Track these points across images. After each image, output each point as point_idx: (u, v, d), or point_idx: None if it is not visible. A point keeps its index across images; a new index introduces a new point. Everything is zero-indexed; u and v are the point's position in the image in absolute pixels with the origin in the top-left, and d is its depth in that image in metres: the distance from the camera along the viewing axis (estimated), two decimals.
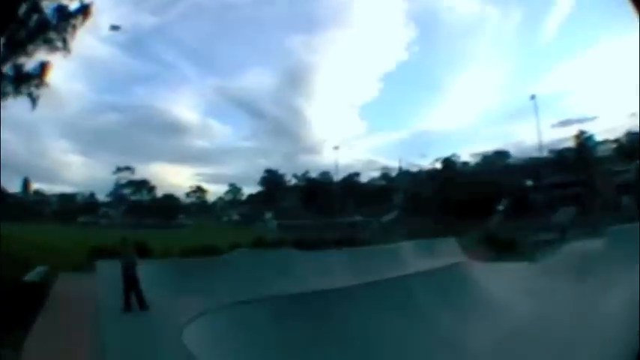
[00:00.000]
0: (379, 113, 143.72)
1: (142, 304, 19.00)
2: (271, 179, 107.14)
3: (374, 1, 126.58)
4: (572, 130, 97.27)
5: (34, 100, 30.09)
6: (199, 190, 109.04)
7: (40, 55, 29.98)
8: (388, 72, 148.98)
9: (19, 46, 28.60)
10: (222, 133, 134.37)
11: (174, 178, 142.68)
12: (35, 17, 29.22)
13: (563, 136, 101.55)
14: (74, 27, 30.72)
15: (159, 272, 24.17)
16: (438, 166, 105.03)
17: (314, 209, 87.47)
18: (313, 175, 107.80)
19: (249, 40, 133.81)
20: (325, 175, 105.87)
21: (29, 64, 29.74)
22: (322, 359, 17.48)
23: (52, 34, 29.94)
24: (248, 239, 47.54)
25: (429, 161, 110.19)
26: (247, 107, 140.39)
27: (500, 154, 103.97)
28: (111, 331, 15.41)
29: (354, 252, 41.00)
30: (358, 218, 77.52)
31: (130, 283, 19.13)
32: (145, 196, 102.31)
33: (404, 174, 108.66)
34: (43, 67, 30.18)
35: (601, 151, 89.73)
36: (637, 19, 3.29)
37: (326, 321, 19.74)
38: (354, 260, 35.95)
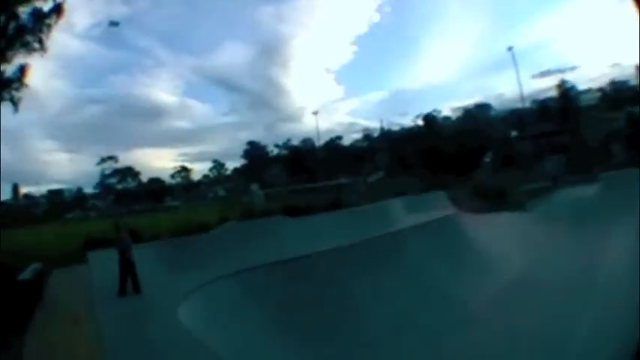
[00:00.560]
0: (356, 76, 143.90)
1: (137, 288, 18.70)
2: (254, 151, 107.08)
3: None
4: (552, 81, 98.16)
5: (15, 104, 29.91)
6: (184, 170, 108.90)
7: (19, 58, 29.86)
8: (361, 34, 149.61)
9: None
10: (202, 111, 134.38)
11: (158, 162, 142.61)
12: (13, 25, 29.02)
13: (545, 87, 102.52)
14: (49, 27, 30.60)
15: (150, 254, 24.06)
16: (420, 123, 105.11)
17: (299, 176, 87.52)
18: (295, 142, 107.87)
19: (220, 16, 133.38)
20: (307, 142, 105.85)
21: (9, 69, 29.62)
22: (321, 320, 17.59)
23: (29, 37, 29.78)
24: (236, 212, 47.47)
25: (410, 119, 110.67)
26: (224, 83, 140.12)
27: (482, 107, 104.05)
28: (107, 317, 15.35)
29: (344, 213, 41.05)
30: (344, 181, 77.39)
31: (126, 267, 18.83)
32: (130, 183, 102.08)
33: (386, 134, 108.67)
34: (22, 70, 30.02)
35: (585, 100, 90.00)
36: (637, 18, 3.31)
37: (322, 282, 19.82)
38: (345, 221, 35.90)
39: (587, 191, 36.09)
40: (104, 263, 21.83)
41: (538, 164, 70.28)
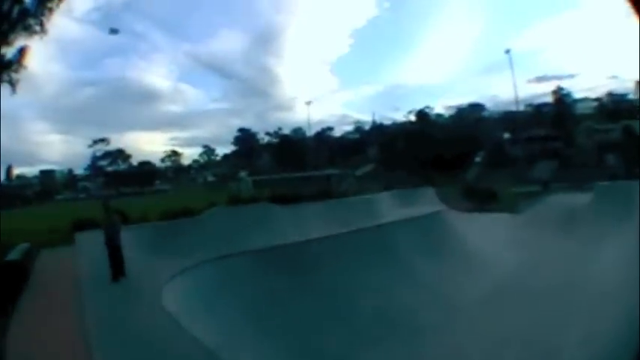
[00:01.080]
0: (351, 68, 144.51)
1: (122, 272, 18.39)
2: (245, 138, 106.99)
3: None
4: (548, 86, 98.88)
5: (13, 86, 29.88)
6: (174, 154, 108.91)
7: (19, 41, 29.82)
8: (359, 28, 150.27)
9: (1, 37, 28.42)
10: (195, 96, 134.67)
11: (149, 145, 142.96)
12: (17, 8, 28.99)
13: (540, 92, 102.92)
14: (50, 10, 30.51)
15: (137, 237, 24.13)
16: (412, 118, 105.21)
17: (289, 165, 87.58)
18: (286, 131, 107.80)
19: (218, 3, 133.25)
20: (298, 131, 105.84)
21: (9, 51, 29.57)
22: (304, 309, 17.72)
23: (31, 20, 29.73)
24: (224, 198, 47.58)
25: (402, 114, 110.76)
26: (218, 70, 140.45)
27: (475, 107, 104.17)
28: (91, 298, 15.45)
29: (331, 204, 41.16)
30: (333, 172, 77.48)
31: (113, 251, 18.43)
32: (121, 166, 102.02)
33: (377, 127, 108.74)
34: (21, 52, 29.97)
35: (581, 109, 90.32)
36: (637, 19, 3.42)
37: (306, 271, 19.90)
38: (332, 211, 36.06)
39: (580, 199, 35.66)
40: (91, 245, 21.88)
41: (529, 168, 70.40)
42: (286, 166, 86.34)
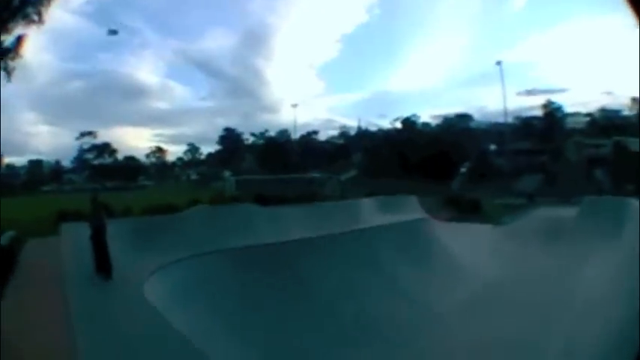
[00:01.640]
0: (338, 73, 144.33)
1: (108, 269, 17.80)
2: (230, 138, 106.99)
3: None
4: (538, 100, 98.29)
5: (9, 74, 29.99)
6: (159, 150, 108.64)
7: (18, 30, 29.95)
8: (348, 33, 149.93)
9: (2, 24, 28.60)
10: (182, 94, 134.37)
11: (135, 141, 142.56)
12: None
13: (529, 105, 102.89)
14: (49, 0, 30.67)
15: (119, 231, 24.22)
16: (398, 126, 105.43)
17: (273, 167, 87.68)
18: (272, 133, 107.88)
19: (210, 2, 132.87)
20: (283, 134, 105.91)
21: (7, 40, 29.71)
22: (282, 309, 17.98)
23: (30, 9, 29.87)
24: (207, 197, 47.69)
25: (388, 121, 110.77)
26: (207, 68, 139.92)
27: (462, 117, 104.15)
28: (76, 291, 15.56)
29: (313, 207, 41.38)
30: (317, 175, 77.68)
31: (99, 247, 18.09)
32: (107, 160, 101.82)
33: (363, 133, 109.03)
34: (19, 40, 30.12)
35: (571, 123, 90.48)
36: (636, 19, 3.52)
37: (285, 272, 20.10)
38: (313, 214, 36.18)
39: (565, 212, 35.71)
40: (76, 236, 22.07)
41: (514, 181, 70.74)
42: (270, 168, 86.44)
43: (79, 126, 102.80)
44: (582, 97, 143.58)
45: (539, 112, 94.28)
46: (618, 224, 25.89)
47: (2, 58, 29.21)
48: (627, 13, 3.52)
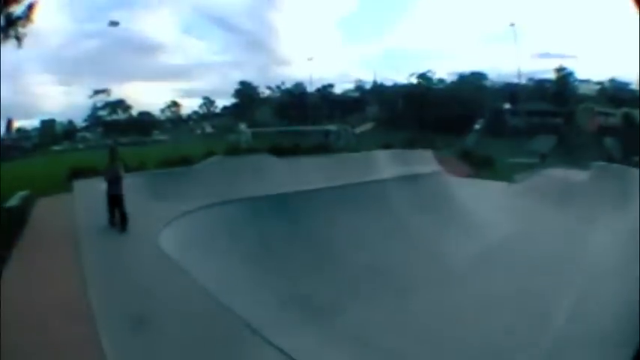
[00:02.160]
0: (355, 28, 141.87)
1: (124, 222, 17.56)
2: (245, 91, 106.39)
3: None
4: (551, 63, 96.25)
5: (19, 40, 29.73)
6: (174, 105, 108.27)
7: None
8: None
9: None
10: (197, 48, 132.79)
11: (150, 96, 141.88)
12: None
13: (543, 68, 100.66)
14: None
15: (134, 184, 24.00)
16: (414, 81, 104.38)
17: (288, 119, 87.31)
18: (287, 86, 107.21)
19: None
20: (299, 87, 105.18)
21: (18, 8, 29.37)
22: (296, 257, 17.87)
23: None
24: (222, 148, 47.44)
25: (404, 76, 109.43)
26: (221, 22, 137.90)
27: (477, 75, 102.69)
28: (88, 244, 15.40)
29: (328, 158, 41.32)
30: (332, 128, 77.22)
31: (114, 199, 17.90)
32: (121, 116, 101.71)
33: (378, 87, 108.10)
34: (29, 7, 29.77)
35: (582, 90, 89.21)
36: (637, 19, 3.42)
37: (301, 220, 20.06)
38: (330, 166, 35.84)
39: (576, 175, 35.56)
40: (89, 191, 21.96)
41: (528, 140, 70.28)
42: (286, 120, 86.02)
43: (93, 85, 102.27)
44: (593, 65, 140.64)
45: (551, 76, 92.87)
46: (625, 192, 25.64)
47: (11, 27, 28.93)
48: None
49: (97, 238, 16.42)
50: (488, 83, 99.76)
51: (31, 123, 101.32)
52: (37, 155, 72.22)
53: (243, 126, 68.82)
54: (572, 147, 60.94)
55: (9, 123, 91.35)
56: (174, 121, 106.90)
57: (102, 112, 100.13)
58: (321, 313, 14.28)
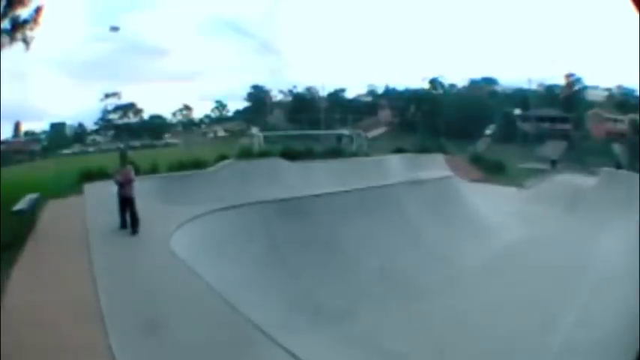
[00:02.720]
0: (367, 31, 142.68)
1: (135, 225, 17.44)
2: (257, 95, 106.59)
3: None
4: (561, 69, 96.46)
5: (27, 43, 29.81)
6: (186, 108, 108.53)
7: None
8: None
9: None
10: (209, 52, 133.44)
11: (161, 99, 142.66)
12: None
13: (552, 74, 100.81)
14: None
15: (145, 187, 23.95)
16: (425, 86, 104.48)
17: (300, 123, 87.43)
18: (300, 90, 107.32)
19: None
20: (311, 90, 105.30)
21: (26, 11, 29.46)
22: (307, 261, 17.84)
23: None
24: (235, 152, 47.41)
25: (415, 80, 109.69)
26: (234, 26, 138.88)
27: (488, 81, 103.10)
28: (98, 246, 15.29)
29: (340, 162, 41.21)
30: (344, 132, 77.39)
31: (125, 201, 17.73)
32: (132, 120, 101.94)
33: (390, 92, 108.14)
34: (37, 10, 29.86)
35: (591, 96, 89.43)
36: (637, 19, 3.37)
37: (312, 224, 20.02)
38: (342, 170, 36.04)
39: (585, 181, 36.14)
40: (99, 194, 21.94)
41: (538, 146, 70.45)
42: (298, 124, 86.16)
43: (104, 88, 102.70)
44: (601, 71, 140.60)
45: (561, 82, 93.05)
46: (632, 198, 25.52)
47: (18, 31, 29.00)
48: None
49: (108, 240, 16.32)
50: (498, 88, 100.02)
51: (40, 126, 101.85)
52: (47, 158, 72.33)
53: (255, 130, 68.82)
54: (581, 152, 61.28)
55: (16, 126, 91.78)
56: (185, 125, 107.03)
57: (113, 116, 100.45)
58: (332, 316, 14.23)
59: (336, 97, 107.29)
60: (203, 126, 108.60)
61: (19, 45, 29.15)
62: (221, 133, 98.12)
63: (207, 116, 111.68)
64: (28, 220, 19.11)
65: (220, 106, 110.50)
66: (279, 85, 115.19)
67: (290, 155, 42.07)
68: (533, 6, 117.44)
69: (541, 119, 79.46)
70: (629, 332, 8.61)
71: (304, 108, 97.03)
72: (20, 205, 19.67)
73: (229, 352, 8.42)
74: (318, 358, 9.10)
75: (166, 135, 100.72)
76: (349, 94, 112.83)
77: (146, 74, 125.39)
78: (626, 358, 7.69)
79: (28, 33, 29.36)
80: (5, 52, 28.69)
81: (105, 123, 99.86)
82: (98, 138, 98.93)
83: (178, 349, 8.42)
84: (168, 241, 15.04)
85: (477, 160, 53.62)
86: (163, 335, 8.81)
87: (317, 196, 22.52)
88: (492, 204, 31.58)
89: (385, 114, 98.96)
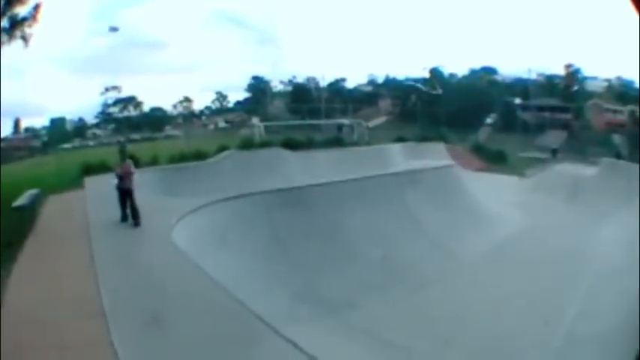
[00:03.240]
0: (367, 22, 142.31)
1: (136, 218, 17.42)
2: (258, 86, 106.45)
3: None
4: (560, 59, 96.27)
5: (26, 41, 29.75)
6: (186, 100, 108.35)
7: None
8: None
9: None
10: (209, 43, 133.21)
11: (161, 92, 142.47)
12: None
13: (551, 63, 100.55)
14: None
15: (146, 179, 23.89)
16: (426, 75, 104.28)
17: (301, 113, 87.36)
18: (300, 80, 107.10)
19: None
20: (311, 80, 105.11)
21: (24, 9, 29.38)
22: (309, 250, 17.83)
23: None
24: (236, 143, 47.30)
25: (415, 70, 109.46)
26: (234, 17, 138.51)
27: (488, 70, 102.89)
28: (99, 240, 15.22)
29: (342, 152, 41.30)
30: (345, 121, 77.30)
31: (124, 194, 17.71)
32: (132, 113, 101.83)
33: (391, 81, 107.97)
34: (36, 8, 29.80)
35: (591, 86, 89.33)
36: (637, 19, 3.33)
37: (314, 214, 20.01)
38: (343, 159, 36.16)
39: (585, 171, 36.05)
40: (100, 187, 21.86)
41: (539, 135, 70.66)
42: (299, 114, 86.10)
43: (103, 82, 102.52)
44: (600, 63, 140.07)
45: (560, 71, 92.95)
46: (632, 188, 25.50)
47: (17, 28, 28.94)
48: None
49: (109, 234, 16.27)
50: (498, 78, 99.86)
51: (40, 122, 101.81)
52: (47, 154, 72.27)
53: (256, 120, 68.73)
54: (581, 142, 61.36)
55: (16, 123, 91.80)
56: (186, 117, 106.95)
57: (113, 109, 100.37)
58: (334, 306, 14.24)
59: (336, 86, 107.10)
60: (204, 117, 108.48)
61: (17, 42, 29.16)
62: (222, 125, 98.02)
63: (207, 108, 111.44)
64: (28, 215, 19.06)
65: (221, 97, 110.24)
66: (280, 75, 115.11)
67: (291, 145, 42.04)
68: None
69: (541, 109, 79.46)
70: (630, 323, 8.62)
71: (305, 98, 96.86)
72: (20, 200, 19.63)
73: (232, 344, 8.40)
74: (320, 348, 9.04)
75: (167, 127, 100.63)
76: (349, 84, 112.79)
77: (146, 67, 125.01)
78: (625, 358, 7.66)
79: (27, 30, 29.32)
80: (4, 49, 28.68)
81: (105, 117, 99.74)
82: (98, 132, 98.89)
83: (181, 342, 8.38)
84: (170, 234, 14.99)
85: (478, 150, 53.66)
86: (166, 329, 8.79)
87: (318, 185, 22.49)
88: (494, 193, 31.59)
89: (385, 103, 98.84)
